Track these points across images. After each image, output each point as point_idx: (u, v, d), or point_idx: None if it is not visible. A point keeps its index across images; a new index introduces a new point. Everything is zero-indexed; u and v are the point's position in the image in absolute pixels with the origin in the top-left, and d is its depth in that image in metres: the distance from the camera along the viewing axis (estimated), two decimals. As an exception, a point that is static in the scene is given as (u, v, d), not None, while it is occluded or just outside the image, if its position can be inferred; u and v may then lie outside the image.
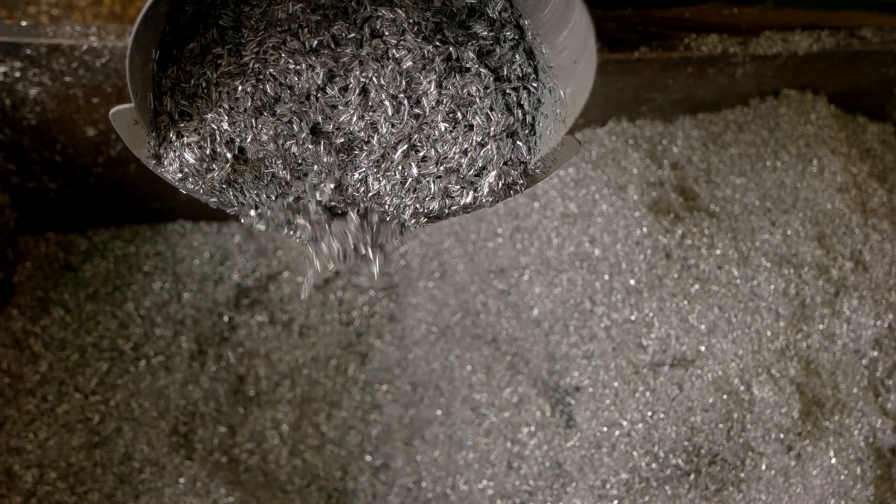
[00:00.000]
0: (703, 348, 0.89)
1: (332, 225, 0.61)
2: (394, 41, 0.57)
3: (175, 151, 0.56)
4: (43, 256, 1.04)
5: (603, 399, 0.88)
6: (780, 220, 0.98)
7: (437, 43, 0.57)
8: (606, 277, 0.94)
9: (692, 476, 0.86)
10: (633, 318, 0.92)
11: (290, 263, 1.08)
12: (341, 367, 1.05)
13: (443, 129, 0.58)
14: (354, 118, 0.58)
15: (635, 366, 0.89)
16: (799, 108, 1.05)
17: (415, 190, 0.59)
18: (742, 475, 0.87)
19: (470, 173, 0.59)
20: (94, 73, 0.85)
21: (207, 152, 0.56)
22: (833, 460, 0.87)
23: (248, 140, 0.57)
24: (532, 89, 0.60)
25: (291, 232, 0.61)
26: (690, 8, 0.97)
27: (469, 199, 0.59)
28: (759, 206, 1.00)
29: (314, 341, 1.06)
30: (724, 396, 0.87)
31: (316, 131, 0.59)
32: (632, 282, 0.93)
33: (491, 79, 0.58)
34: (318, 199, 0.59)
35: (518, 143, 0.59)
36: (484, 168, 0.59)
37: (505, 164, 0.59)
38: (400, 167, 0.59)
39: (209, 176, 0.56)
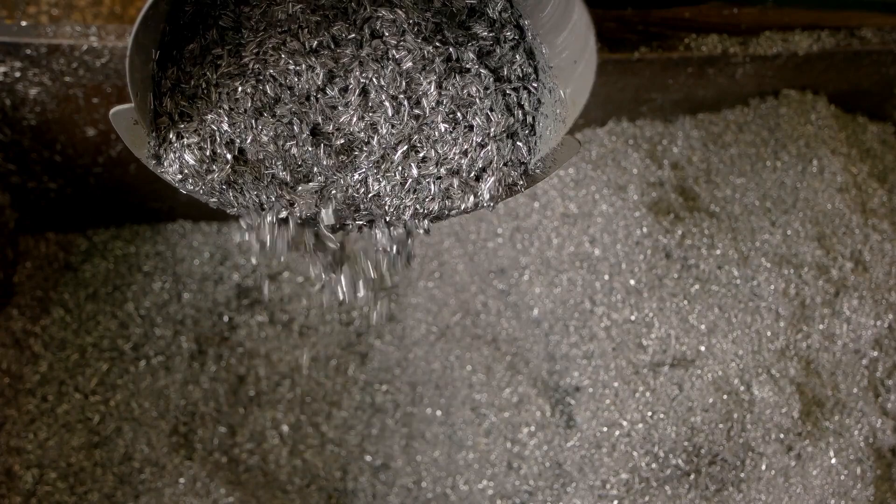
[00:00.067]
0: (703, 348, 0.89)
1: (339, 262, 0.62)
2: (394, 42, 0.57)
3: (175, 153, 0.56)
4: (43, 256, 1.04)
5: (603, 399, 0.89)
6: (780, 220, 0.98)
7: (437, 43, 0.57)
8: (606, 277, 0.94)
9: (692, 476, 0.86)
10: (633, 318, 0.92)
11: (290, 263, 1.08)
12: (341, 367, 1.05)
13: (443, 129, 0.58)
14: (354, 119, 0.58)
15: (635, 366, 0.89)
16: (799, 108, 1.05)
17: (415, 191, 0.59)
18: (742, 475, 0.87)
19: (470, 176, 0.59)
20: (94, 73, 0.85)
21: (207, 153, 0.56)
22: (833, 460, 0.87)
23: (248, 141, 0.57)
24: (532, 89, 0.60)
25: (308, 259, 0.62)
26: (690, 8, 0.97)
27: (470, 204, 0.59)
28: (759, 206, 1.00)
29: (314, 341, 1.06)
30: (724, 396, 0.87)
31: (316, 132, 0.58)
32: (632, 282, 0.93)
33: (491, 79, 0.58)
34: (326, 223, 0.59)
35: (518, 143, 0.59)
36: (484, 169, 0.59)
37: (505, 164, 0.59)
38: (400, 168, 0.59)
39: (209, 177, 0.56)
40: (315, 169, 0.59)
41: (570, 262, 0.96)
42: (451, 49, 0.58)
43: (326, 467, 0.99)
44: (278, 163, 0.58)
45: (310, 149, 0.58)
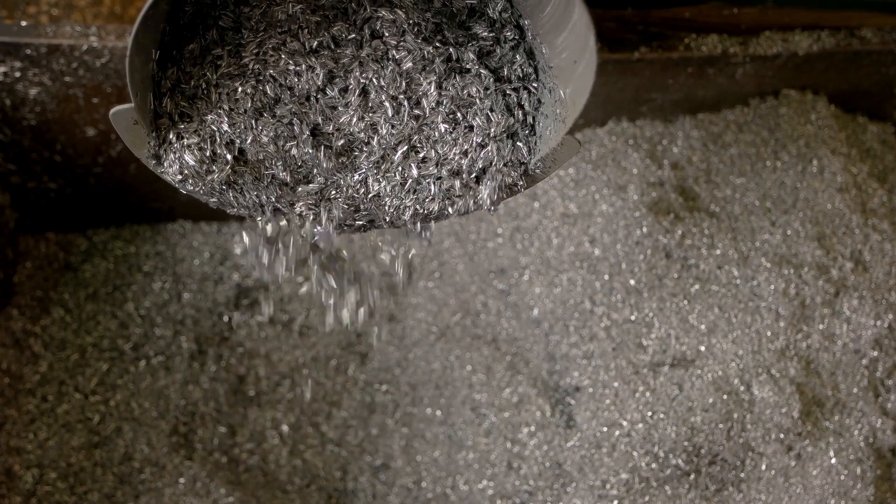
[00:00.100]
0: (703, 348, 0.89)
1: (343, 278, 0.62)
2: (394, 42, 0.57)
3: (175, 153, 0.56)
4: (43, 256, 1.04)
5: (603, 399, 0.89)
6: (780, 220, 0.98)
7: (438, 44, 0.57)
8: (606, 277, 0.94)
9: (692, 476, 0.86)
10: (633, 318, 0.92)
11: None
12: (341, 367, 1.05)
13: (443, 130, 0.58)
14: (354, 119, 0.58)
15: (635, 366, 0.89)
16: (799, 108, 1.05)
17: (415, 191, 0.59)
18: (742, 475, 0.87)
19: (471, 177, 0.59)
20: (94, 73, 0.85)
21: (207, 154, 0.56)
22: (833, 460, 0.87)
23: (248, 141, 0.57)
24: (532, 90, 0.60)
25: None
26: (690, 8, 0.97)
27: (471, 205, 0.59)
28: (759, 206, 1.00)
29: (314, 341, 1.06)
30: (724, 396, 0.87)
31: (316, 133, 0.58)
32: (632, 282, 0.93)
33: (491, 80, 0.58)
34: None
35: (518, 143, 0.59)
36: (484, 170, 0.59)
37: (505, 165, 0.59)
38: (400, 168, 0.59)
39: (209, 178, 0.56)
40: (315, 171, 0.59)
41: (570, 262, 0.96)
42: (451, 49, 0.58)
43: (326, 467, 0.99)
44: (278, 163, 0.58)
45: (310, 151, 0.58)
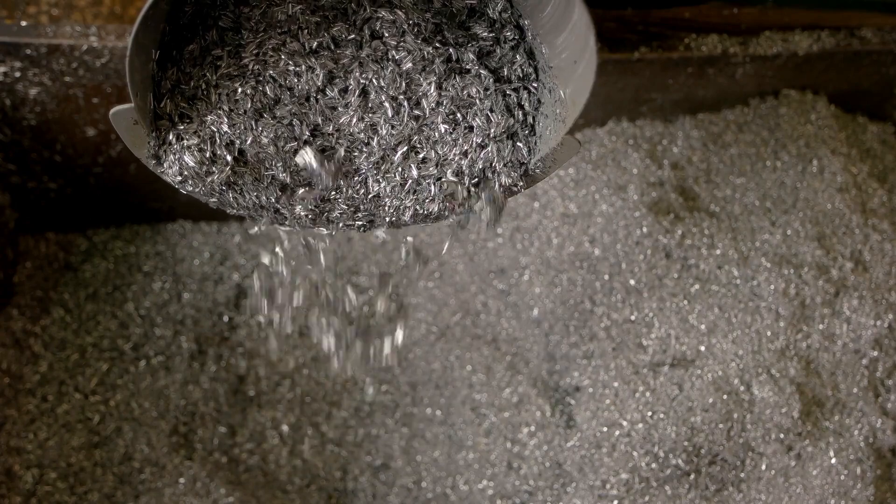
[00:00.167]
0: (703, 348, 0.89)
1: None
2: (393, 42, 0.57)
3: (175, 154, 0.56)
4: (43, 256, 1.04)
5: (603, 399, 0.89)
6: (780, 220, 0.98)
7: (437, 44, 0.57)
8: (606, 277, 0.94)
9: (692, 476, 0.86)
10: (633, 318, 0.92)
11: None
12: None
13: (443, 130, 0.58)
14: (354, 120, 0.57)
15: (635, 366, 0.89)
16: (799, 108, 1.05)
17: (414, 192, 0.59)
18: (742, 475, 0.87)
19: (473, 180, 0.59)
20: (94, 73, 0.85)
21: (207, 155, 0.56)
22: (833, 460, 0.87)
23: (248, 142, 0.57)
24: (532, 90, 0.60)
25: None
26: (690, 8, 0.97)
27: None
28: (759, 206, 1.00)
29: (314, 341, 1.06)
30: (724, 396, 0.87)
31: (316, 133, 0.58)
32: (632, 282, 0.93)
33: (491, 80, 0.58)
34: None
35: (518, 143, 0.59)
36: (484, 170, 0.59)
37: (505, 165, 0.59)
38: (400, 169, 0.59)
39: (209, 179, 0.56)
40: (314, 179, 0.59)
41: (570, 262, 0.96)
42: (451, 50, 0.58)
43: (326, 467, 0.99)
44: (278, 164, 0.58)
45: (314, 166, 0.57)
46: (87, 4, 0.86)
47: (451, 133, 0.58)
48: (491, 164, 0.59)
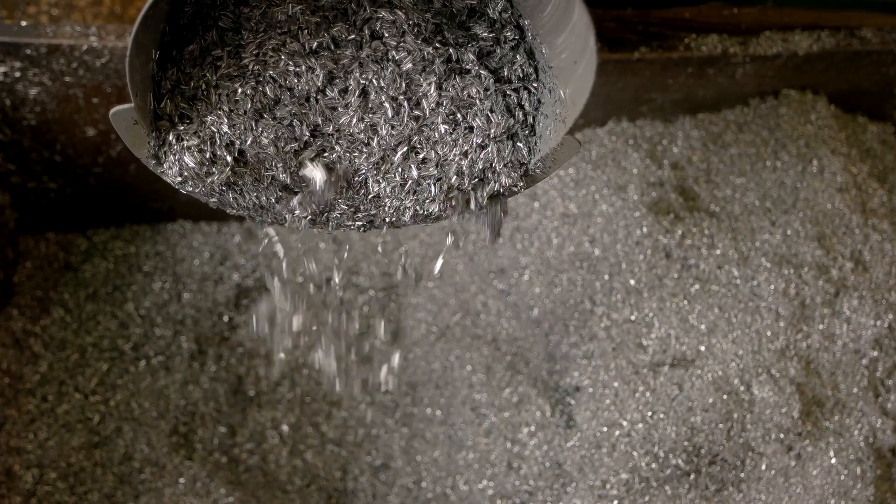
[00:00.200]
0: (703, 348, 0.89)
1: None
2: (393, 43, 0.57)
3: (175, 155, 0.56)
4: (43, 256, 1.04)
5: (603, 399, 0.89)
6: (780, 220, 0.98)
7: (437, 44, 0.57)
8: (606, 277, 0.94)
9: (692, 476, 0.86)
10: (633, 318, 0.92)
11: (290, 263, 1.08)
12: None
13: (443, 130, 0.58)
14: (354, 120, 0.57)
15: (635, 366, 0.89)
16: (799, 108, 1.05)
17: (414, 192, 0.59)
18: (742, 475, 0.87)
19: (473, 180, 0.59)
20: (94, 73, 0.85)
21: (207, 156, 0.56)
22: (833, 460, 0.87)
23: (248, 143, 0.57)
24: (532, 90, 0.60)
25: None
26: (690, 8, 0.97)
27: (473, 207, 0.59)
28: (759, 206, 1.00)
29: (314, 341, 1.06)
30: (724, 396, 0.87)
31: (316, 134, 0.58)
32: (632, 282, 0.93)
33: (491, 80, 0.58)
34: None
35: (518, 144, 0.59)
36: (484, 171, 0.59)
37: (505, 165, 0.59)
38: (400, 169, 0.58)
39: (209, 180, 0.56)
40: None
41: (570, 262, 0.96)
42: (451, 50, 0.58)
43: (326, 467, 0.99)
44: (279, 165, 0.58)
45: (319, 187, 0.57)
46: (87, 4, 0.86)
47: (451, 133, 0.58)
48: (491, 164, 0.59)
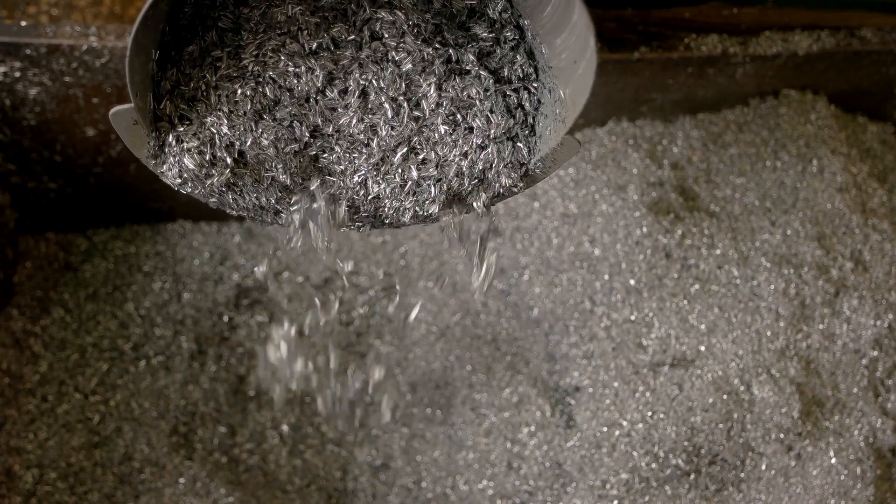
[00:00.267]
0: (703, 348, 0.89)
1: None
2: (393, 43, 0.57)
3: (175, 157, 0.56)
4: (43, 256, 1.04)
5: (603, 399, 0.89)
6: (780, 220, 0.98)
7: (437, 45, 0.57)
8: (606, 277, 0.94)
9: (692, 476, 0.86)
10: (633, 318, 0.92)
11: (290, 263, 1.08)
12: (341, 366, 1.05)
13: (443, 131, 0.58)
14: (354, 121, 0.57)
15: (635, 366, 0.89)
16: (799, 108, 1.05)
17: (414, 193, 0.59)
18: (742, 475, 0.87)
19: (473, 180, 0.59)
20: (94, 73, 0.85)
21: (207, 158, 0.56)
22: (833, 460, 0.87)
23: (248, 143, 0.57)
24: (532, 90, 0.60)
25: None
26: (690, 8, 0.97)
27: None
28: (759, 206, 1.00)
29: (314, 341, 1.06)
30: (724, 396, 0.87)
31: (316, 134, 0.58)
32: (632, 282, 0.93)
33: (491, 81, 0.58)
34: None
35: (518, 144, 0.59)
36: (484, 171, 0.59)
37: (505, 166, 0.59)
38: (399, 170, 0.58)
39: (209, 181, 0.56)
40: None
41: (570, 262, 0.96)
42: (450, 50, 0.58)
43: (326, 467, 0.99)
44: (278, 165, 0.58)
45: (321, 206, 0.58)
46: (87, 4, 0.86)
47: (450, 134, 0.58)
48: (491, 165, 0.59)
